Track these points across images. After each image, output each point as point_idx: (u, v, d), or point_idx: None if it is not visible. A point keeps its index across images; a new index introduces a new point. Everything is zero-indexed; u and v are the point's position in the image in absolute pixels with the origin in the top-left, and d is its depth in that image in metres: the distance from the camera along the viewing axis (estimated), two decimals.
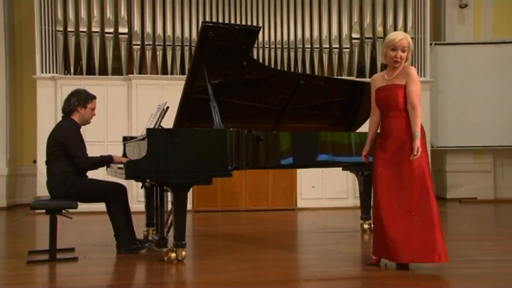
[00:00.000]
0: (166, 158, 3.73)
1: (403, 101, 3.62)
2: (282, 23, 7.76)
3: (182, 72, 7.44)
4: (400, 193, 3.56)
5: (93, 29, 7.34)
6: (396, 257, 3.53)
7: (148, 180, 4.10)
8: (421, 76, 7.83)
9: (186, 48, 7.48)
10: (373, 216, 3.75)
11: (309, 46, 7.83)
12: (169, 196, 4.09)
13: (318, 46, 7.79)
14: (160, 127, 4.23)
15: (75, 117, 4.24)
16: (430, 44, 8.16)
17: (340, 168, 5.03)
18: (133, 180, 5.15)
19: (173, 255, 3.83)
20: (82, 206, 4.26)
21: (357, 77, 7.80)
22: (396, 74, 3.68)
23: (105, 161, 4.24)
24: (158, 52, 7.48)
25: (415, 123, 3.57)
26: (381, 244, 3.60)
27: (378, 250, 3.66)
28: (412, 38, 7.86)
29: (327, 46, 7.81)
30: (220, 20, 7.54)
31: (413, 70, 3.65)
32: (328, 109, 5.04)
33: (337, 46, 7.82)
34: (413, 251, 3.49)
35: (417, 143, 3.52)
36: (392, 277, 3.44)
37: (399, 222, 3.53)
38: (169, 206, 4.30)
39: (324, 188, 7.55)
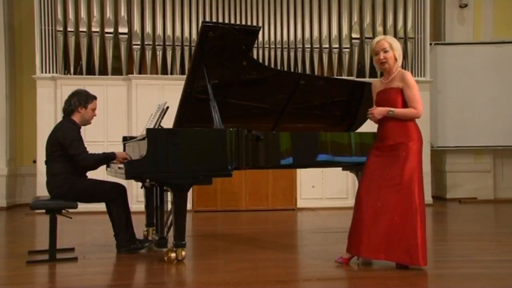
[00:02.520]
0: (166, 158, 3.73)
1: (401, 105, 3.64)
2: (282, 23, 7.76)
3: (182, 72, 7.44)
4: (386, 192, 3.57)
5: (93, 29, 7.34)
6: (369, 252, 3.55)
7: (148, 180, 4.10)
8: (421, 76, 7.84)
9: (186, 48, 7.48)
10: (355, 212, 3.72)
11: (309, 46, 7.83)
12: (169, 196, 4.10)
13: (318, 46, 7.79)
14: (160, 127, 4.23)
15: (76, 117, 4.24)
16: (430, 44, 8.16)
17: (340, 168, 5.02)
18: (133, 180, 5.15)
19: (173, 255, 3.83)
20: (82, 206, 4.26)
21: (357, 77, 7.80)
22: (392, 77, 3.70)
23: (107, 158, 4.19)
24: (158, 52, 7.48)
25: (402, 111, 3.58)
26: (356, 239, 3.62)
27: (351, 246, 3.69)
28: (412, 38, 7.90)
29: (327, 46, 7.81)
30: (220, 20, 7.54)
31: (408, 75, 3.64)
32: (328, 109, 5.04)
33: (337, 46, 7.82)
34: (387, 249, 3.51)
35: (382, 112, 3.58)
36: (392, 277, 3.44)
37: (379, 220, 3.54)
38: (169, 206, 4.30)
39: (324, 188, 7.55)
